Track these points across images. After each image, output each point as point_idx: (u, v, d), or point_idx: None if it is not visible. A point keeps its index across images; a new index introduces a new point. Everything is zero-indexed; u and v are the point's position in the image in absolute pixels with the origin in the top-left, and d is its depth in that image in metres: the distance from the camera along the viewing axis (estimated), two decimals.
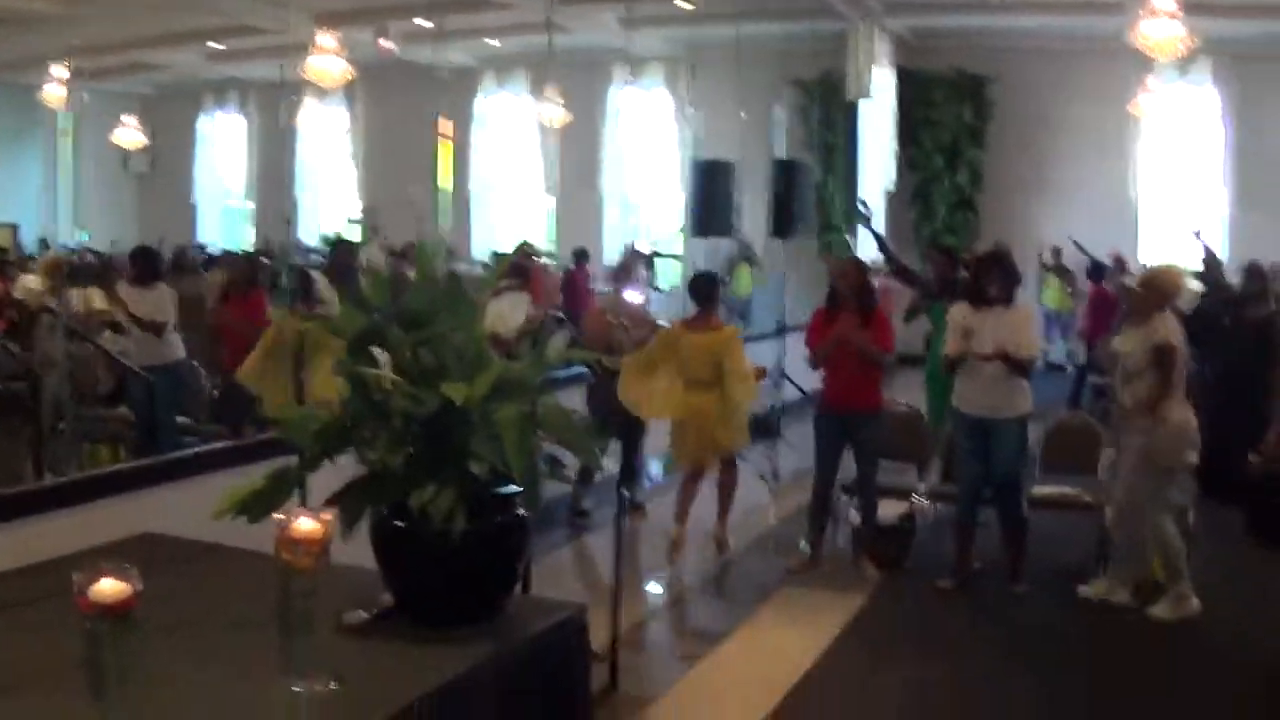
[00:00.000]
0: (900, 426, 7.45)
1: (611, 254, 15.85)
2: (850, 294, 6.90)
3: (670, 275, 15.26)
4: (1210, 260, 11.50)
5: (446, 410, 2.76)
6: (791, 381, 10.55)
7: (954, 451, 6.98)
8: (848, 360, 6.83)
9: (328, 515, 2.56)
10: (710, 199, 11.58)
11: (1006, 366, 6.37)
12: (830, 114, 16.50)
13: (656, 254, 15.23)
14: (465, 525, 2.74)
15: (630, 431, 7.75)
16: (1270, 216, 15.16)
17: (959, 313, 6.65)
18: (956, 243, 16.10)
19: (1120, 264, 14.08)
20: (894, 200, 16.47)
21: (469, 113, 17.95)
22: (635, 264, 10.15)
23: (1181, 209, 16.59)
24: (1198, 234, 11.09)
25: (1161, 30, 11.45)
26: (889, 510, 7.17)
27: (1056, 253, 15.72)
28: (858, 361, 6.83)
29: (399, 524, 2.83)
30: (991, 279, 6.60)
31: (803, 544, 7.23)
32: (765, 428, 10.56)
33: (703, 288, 7.51)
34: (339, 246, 10.40)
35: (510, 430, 2.77)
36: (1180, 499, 6.49)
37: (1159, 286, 6.37)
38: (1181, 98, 16.29)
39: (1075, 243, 15.45)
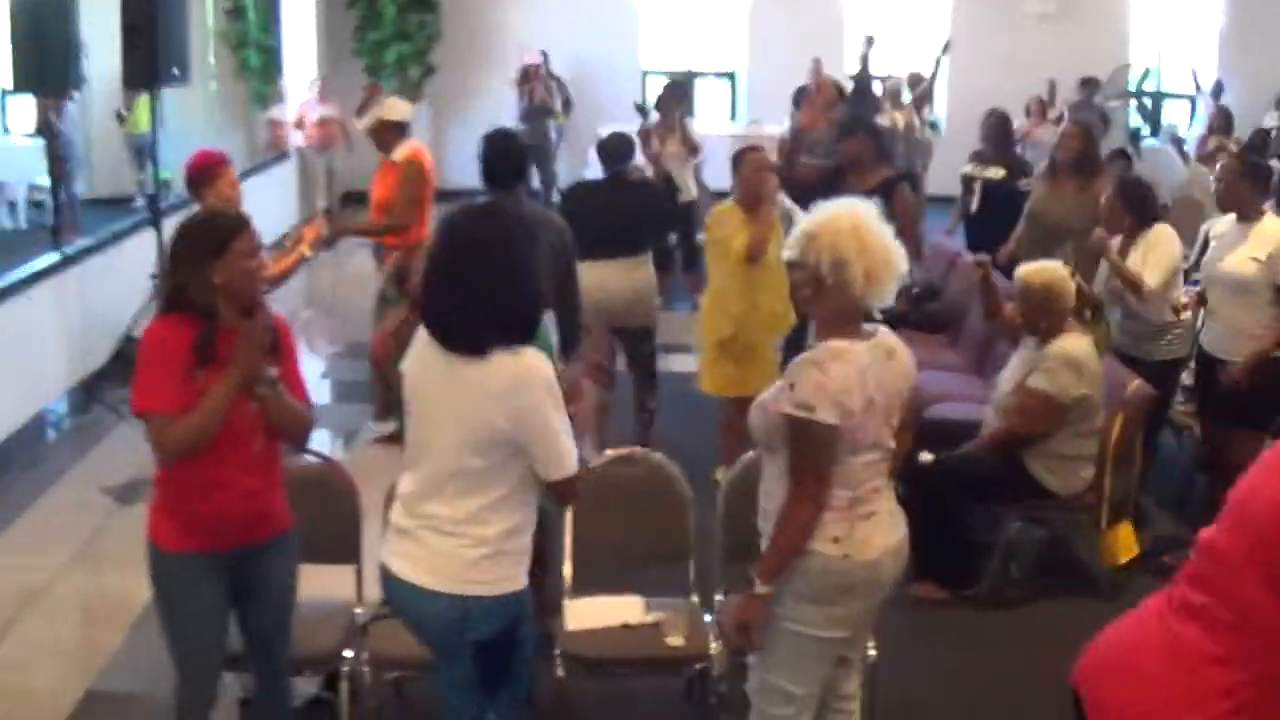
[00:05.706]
0: None
1: None
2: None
3: None
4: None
5: None
6: None
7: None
8: (248, 442, 3.25)
9: None
10: (38, 40, 8.62)
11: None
12: None
13: None
14: None
15: None
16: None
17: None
18: (410, 50, 13.98)
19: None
20: (328, 5, 13.77)
21: None
22: None
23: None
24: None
25: None
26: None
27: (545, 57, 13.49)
28: (265, 442, 3.31)
29: None
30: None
31: None
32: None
33: None
34: None
35: None
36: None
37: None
38: None
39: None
